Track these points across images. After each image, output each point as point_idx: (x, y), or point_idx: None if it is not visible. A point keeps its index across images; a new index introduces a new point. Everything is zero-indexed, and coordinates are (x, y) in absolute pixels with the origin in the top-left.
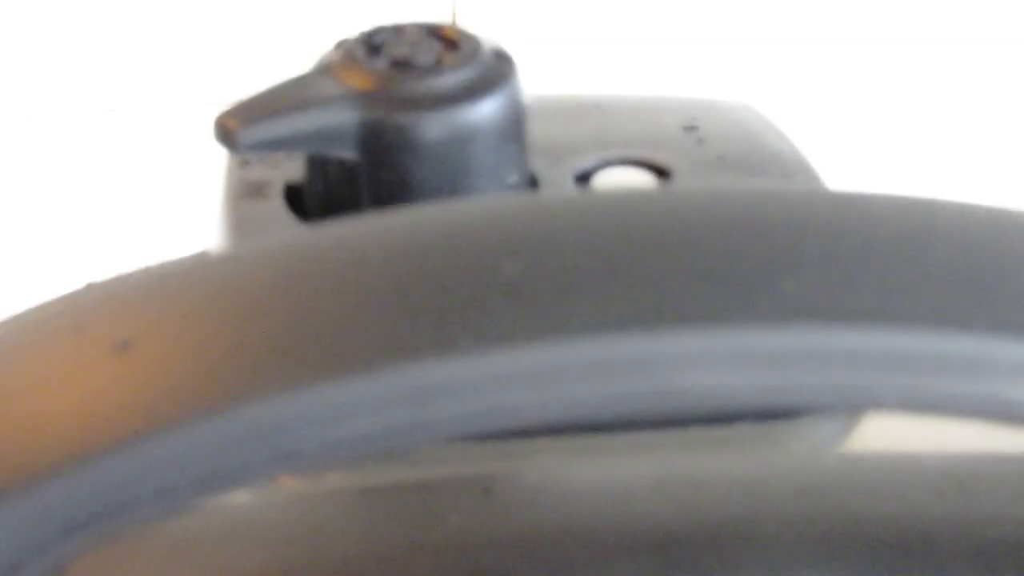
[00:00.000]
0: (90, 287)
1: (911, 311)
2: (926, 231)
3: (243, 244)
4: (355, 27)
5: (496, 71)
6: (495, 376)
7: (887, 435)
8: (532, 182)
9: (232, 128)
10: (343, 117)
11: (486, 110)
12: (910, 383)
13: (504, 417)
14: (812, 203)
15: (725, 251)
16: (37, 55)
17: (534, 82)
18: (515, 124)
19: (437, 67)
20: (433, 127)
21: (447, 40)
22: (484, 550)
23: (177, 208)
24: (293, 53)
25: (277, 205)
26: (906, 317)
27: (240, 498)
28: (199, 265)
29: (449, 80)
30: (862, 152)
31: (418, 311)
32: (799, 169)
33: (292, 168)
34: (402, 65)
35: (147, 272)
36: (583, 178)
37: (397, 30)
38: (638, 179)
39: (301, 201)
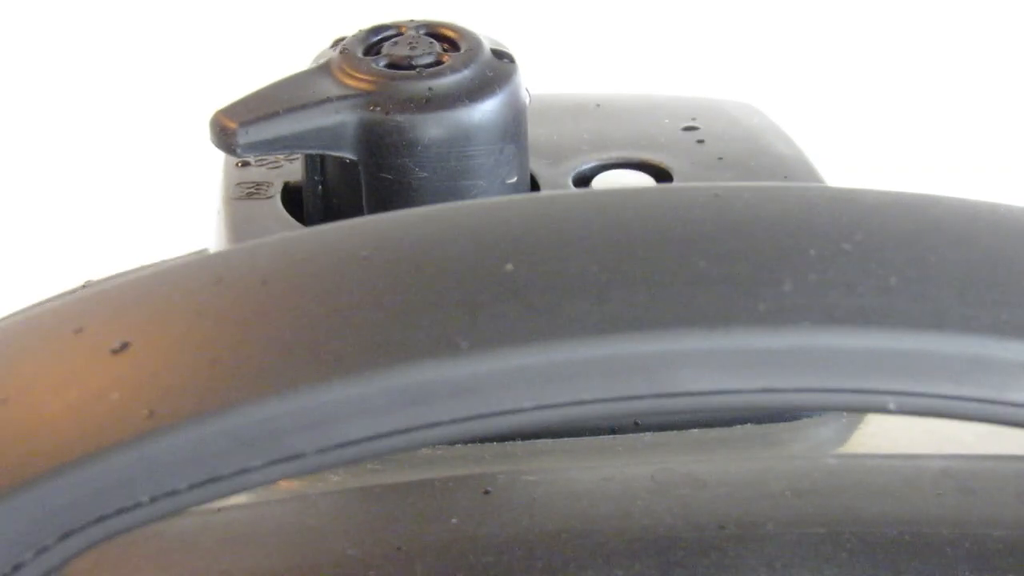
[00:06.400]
0: (89, 286)
1: (911, 313)
2: (929, 228)
3: (241, 245)
4: (352, 25)
5: (496, 71)
6: (496, 377)
7: (887, 435)
8: (532, 182)
9: (230, 129)
10: (342, 117)
11: (486, 110)
12: (911, 388)
13: (505, 419)
14: (813, 201)
15: (726, 251)
16: (38, 55)
17: (534, 82)
18: (515, 124)
19: (437, 67)
20: (433, 127)
21: (447, 40)
22: (484, 550)
23: (176, 208)
24: (289, 50)
25: (275, 206)
26: (906, 320)
27: (240, 498)
28: (197, 265)
29: (449, 80)
30: (862, 152)
31: (418, 313)
32: (800, 169)
33: (290, 169)
34: (402, 65)
35: (145, 272)
36: (583, 179)
37: (397, 29)
38: (637, 180)
39: (299, 202)
